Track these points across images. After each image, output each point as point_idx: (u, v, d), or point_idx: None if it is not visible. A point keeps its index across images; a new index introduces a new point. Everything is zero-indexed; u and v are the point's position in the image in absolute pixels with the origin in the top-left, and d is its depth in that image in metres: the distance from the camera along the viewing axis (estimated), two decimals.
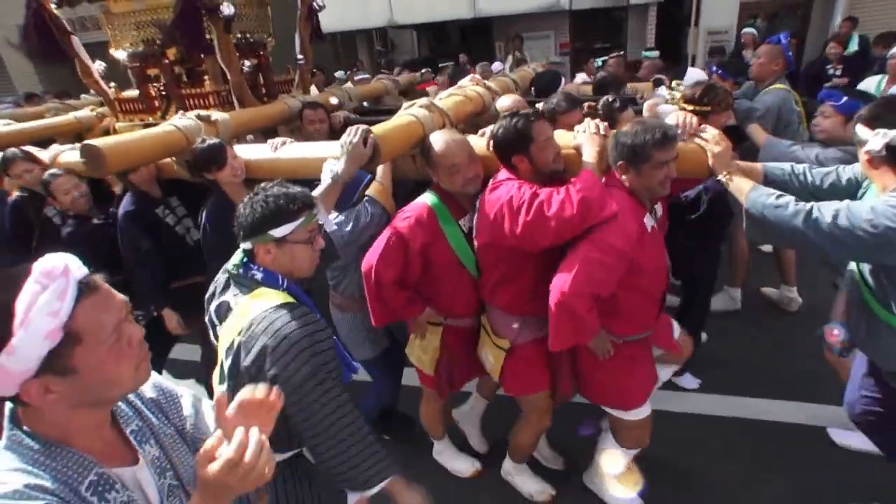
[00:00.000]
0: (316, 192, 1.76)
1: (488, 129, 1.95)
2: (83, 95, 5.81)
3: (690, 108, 2.07)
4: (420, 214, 1.83)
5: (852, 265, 1.78)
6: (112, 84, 3.93)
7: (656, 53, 5.67)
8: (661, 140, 1.60)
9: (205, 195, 2.43)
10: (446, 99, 2.32)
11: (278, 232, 1.34)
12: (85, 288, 0.77)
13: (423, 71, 6.42)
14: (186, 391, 1.08)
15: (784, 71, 3.25)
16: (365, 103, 4.58)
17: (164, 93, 3.64)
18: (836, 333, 1.87)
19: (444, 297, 1.96)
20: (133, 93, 3.84)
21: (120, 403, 0.91)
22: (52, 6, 3.39)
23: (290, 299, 1.34)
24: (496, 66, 6.45)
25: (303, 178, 1.94)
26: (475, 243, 1.86)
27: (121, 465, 0.86)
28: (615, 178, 1.73)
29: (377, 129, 1.89)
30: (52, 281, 0.74)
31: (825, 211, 1.51)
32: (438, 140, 1.84)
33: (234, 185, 2.31)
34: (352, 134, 1.85)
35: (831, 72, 5.75)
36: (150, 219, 2.54)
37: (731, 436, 2.51)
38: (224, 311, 1.39)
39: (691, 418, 2.63)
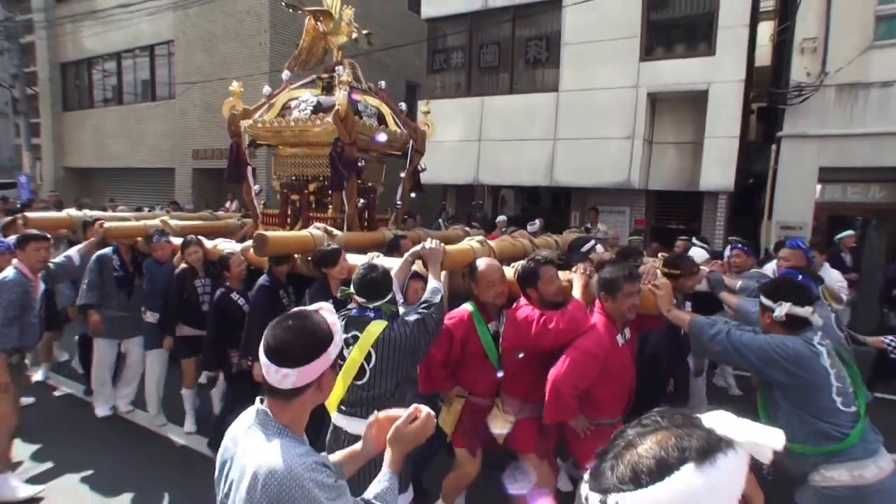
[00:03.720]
0: (395, 268, 2.84)
1: (516, 264, 3.02)
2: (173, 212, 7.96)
3: (666, 270, 3.02)
4: (462, 315, 2.84)
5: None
6: (263, 201, 5.64)
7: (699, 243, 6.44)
8: (629, 275, 2.54)
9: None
10: (495, 242, 3.48)
11: (390, 295, 2.42)
12: None
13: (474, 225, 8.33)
14: None
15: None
16: None
17: (296, 213, 5.24)
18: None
19: (469, 379, 2.87)
20: (274, 210, 5.51)
21: None
22: (245, 147, 5.24)
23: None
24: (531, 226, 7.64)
25: None
26: (500, 346, 2.80)
27: None
28: (598, 307, 2.67)
29: (449, 248, 3.06)
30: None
31: (741, 333, 2.32)
32: (482, 263, 2.87)
33: (337, 280, 3.52)
34: (433, 241, 2.94)
35: None
36: (275, 295, 3.80)
37: None
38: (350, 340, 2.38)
39: None
